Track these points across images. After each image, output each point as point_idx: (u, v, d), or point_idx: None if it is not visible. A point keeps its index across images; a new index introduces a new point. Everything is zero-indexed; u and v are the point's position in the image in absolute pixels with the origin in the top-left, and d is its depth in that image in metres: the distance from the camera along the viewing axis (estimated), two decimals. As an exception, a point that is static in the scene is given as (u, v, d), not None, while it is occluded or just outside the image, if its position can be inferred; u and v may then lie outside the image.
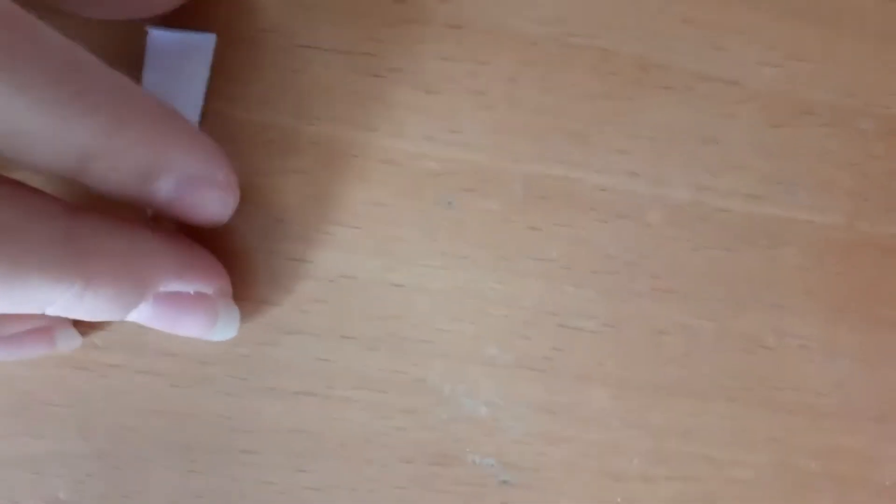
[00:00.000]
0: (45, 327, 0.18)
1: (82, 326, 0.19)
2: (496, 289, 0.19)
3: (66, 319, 0.18)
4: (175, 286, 0.16)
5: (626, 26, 0.19)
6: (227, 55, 0.19)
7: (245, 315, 0.19)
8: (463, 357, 0.19)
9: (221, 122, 0.19)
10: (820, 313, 0.20)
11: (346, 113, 0.19)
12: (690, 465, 0.20)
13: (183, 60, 0.18)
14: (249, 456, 0.19)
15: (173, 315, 0.17)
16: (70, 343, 0.19)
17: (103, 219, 0.15)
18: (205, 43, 0.18)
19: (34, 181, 0.15)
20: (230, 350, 0.19)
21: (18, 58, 0.12)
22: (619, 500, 0.20)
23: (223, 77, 0.19)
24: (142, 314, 0.16)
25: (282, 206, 0.19)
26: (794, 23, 0.19)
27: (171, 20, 0.18)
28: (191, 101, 0.18)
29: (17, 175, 0.15)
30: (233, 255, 0.19)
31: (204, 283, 0.17)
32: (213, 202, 0.16)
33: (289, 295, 0.19)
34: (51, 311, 0.14)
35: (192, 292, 0.17)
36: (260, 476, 0.19)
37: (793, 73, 0.19)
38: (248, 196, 0.19)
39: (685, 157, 0.19)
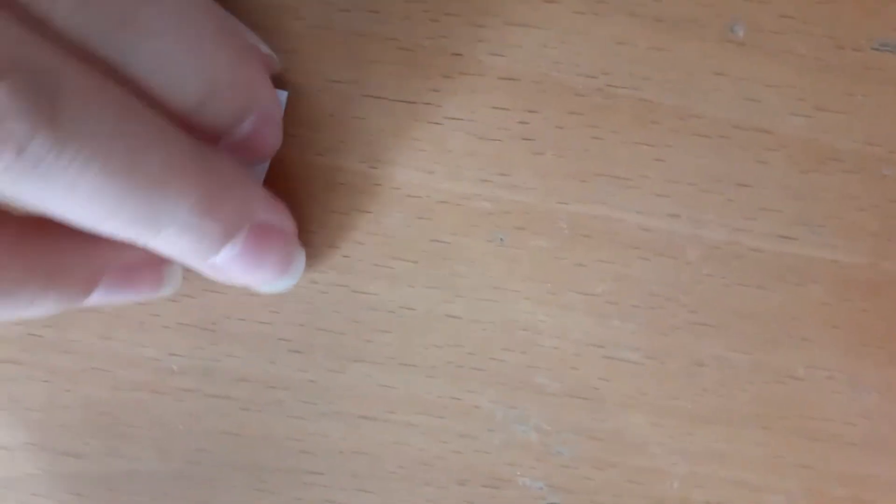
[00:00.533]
0: (156, 262, 0.18)
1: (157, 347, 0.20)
2: (545, 321, 0.21)
3: (168, 259, 0.17)
4: (265, 216, 0.17)
5: (666, 79, 0.20)
6: (301, 104, 0.20)
7: (314, 344, 0.20)
8: (514, 385, 0.21)
9: (294, 165, 0.20)
10: (846, 347, 0.21)
11: (407, 157, 0.20)
12: (726, 490, 0.21)
13: None
14: (314, 476, 0.21)
15: (260, 251, 0.17)
16: (174, 282, 0.19)
17: (211, 145, 0.16)
18: (279, 97, 0.20)
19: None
20: (299, 376, 0.20)
21: None
22: (659, 522, 0.21)
23: (296, 123, 0.20)
24: (232, 250, 0.16)
25: (349, 243, 0.20)
26: (821, 76, 0.20)
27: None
28: None
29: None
30: (304, 289, 0.20)
31: (288, 217, 0.18)
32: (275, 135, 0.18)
33: (354, 325, 0.20)
34: (159, 240, 0.15)
35: (278, 225, 0.17)
36: (324, 496, 0.21)
37: (820, 122, 0.20)
38: (319, 234, 0.20)
39: (721, 200, 0.20)
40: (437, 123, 0.20)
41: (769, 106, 0.20)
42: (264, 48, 0.19)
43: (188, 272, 0.19)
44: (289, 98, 0.20)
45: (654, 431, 0.21)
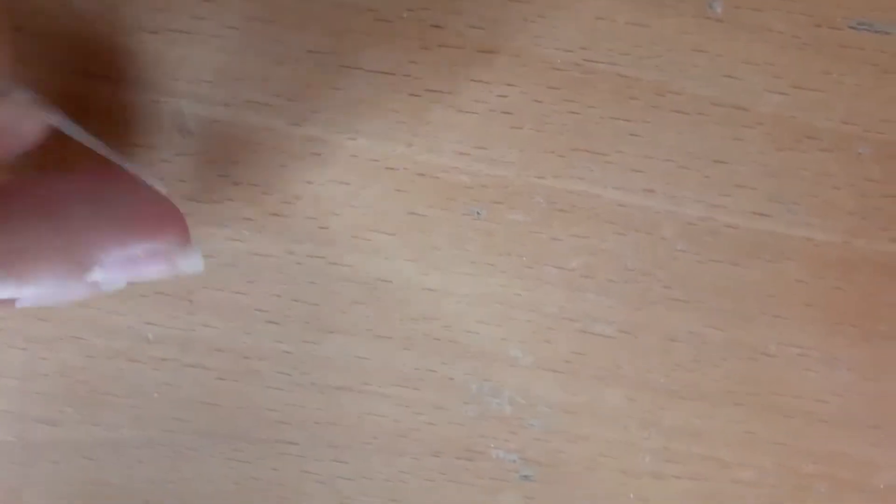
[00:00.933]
0: (164, 250, 0.17)
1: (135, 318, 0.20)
2: (521, 295, 0.21)
3: (189, 239, 0.17)
4: (118, 255, 0.16)
5: (644, 55, 0.20)
6: (279, 74, 0.20)
7: (291, 315, 0.20)
8: (489, 358, 0.21)
9: (270, 135, 0.20)
10: (819, 325, 0.21)
11: (385, 129, 0.20)
12: (698, 465, 0.21)
13: None
14: (290, 447, 0.21)
15: (124, 277, 0.16)
16: (193, 264, 0.17)
17: (33, 201, 0.15)
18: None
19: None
20: (275, 347, 0.21)
21: None
22: (631, 495, 0.21)
23: (269, 92, 0.20)
24: (97, 281, 0.16)
25: (326, 214, 0.20)
26: (799, 54, 0.20)
27: (228, 42, 0.20)
28: None
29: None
30: (281, 260, 0.20)
31: (150, 241, 0.16)
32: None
33: (330, 297, 0.21)
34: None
35: (139, 253, 0.16)
36: (299, 466, 0.21)
37: (797, 100, 0.20)
38: (295, 204, 0.20)
39: (697, 177, 0.20)
40: (416, 95, 0.20)
41: (747, 83, 0.20)
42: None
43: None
44: (267, 66, 0.20)
45: (627, 405, 0.21)
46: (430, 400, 0.21)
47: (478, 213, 0.21)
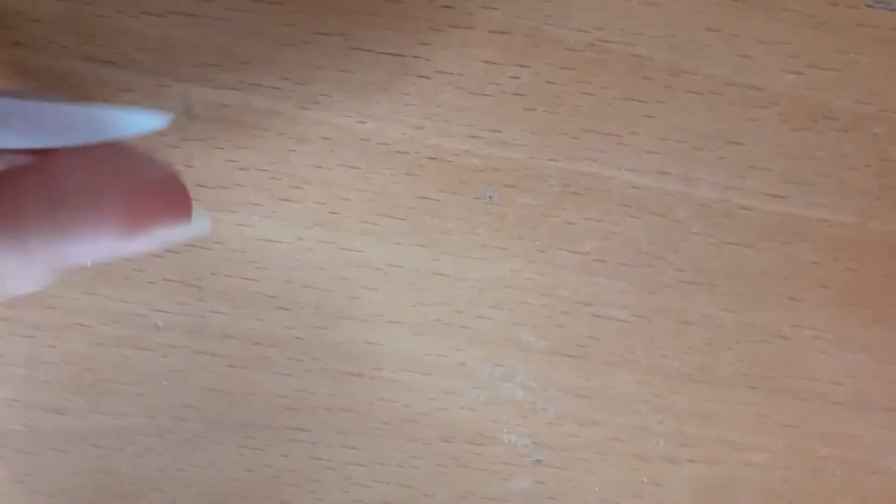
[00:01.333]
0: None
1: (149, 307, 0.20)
2: (533, 279, 0.21)
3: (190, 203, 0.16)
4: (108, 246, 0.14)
5: (658, 34, 0.20)
6: (287, 56, 0.20)
7: (301, 301, 0.20)
8: (501, 342, 0.21)
9: (278, 118, 0.20)
10: (833, 307, 0.21)
11: (396, 112, 0.20)
12: (711, 449, 0.21)
13: None
14: (301, 433, 0.21)
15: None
16: (203, 224, 0.16)
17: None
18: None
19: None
20: (286, 333, 0.20)
21: None
22: (644, 479, 0.21)
23: (276, 75, 0.20)
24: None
25: (335, 199, 0.20)
26: (814, 33, 0.20)
27: (234, 23, 0.19)
28: None
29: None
30: (290, 246, 0.20)
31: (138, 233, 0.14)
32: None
33: (341, 282, 0.20)
34: None
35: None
36: (310, 452, 0.21)
37: (812, 79, 0.20)
38: (305, 189, 0.20)
39: (712, 158, 0.20)
40: (427, 77, 0.20)
41: (761, 63, 0.20)
42: None
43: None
44: (275, 49, 0.20)
45: (640, 389, 0.21)
46: (442, 385, 0.21)
47: (490, 196, 0.20)
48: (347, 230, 0.20)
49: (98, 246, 0.14)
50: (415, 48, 0.20)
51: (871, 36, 0.20)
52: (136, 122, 0.15)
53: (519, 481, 0.21)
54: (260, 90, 0.20)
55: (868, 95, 0.20)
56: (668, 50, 0.20)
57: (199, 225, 0.16)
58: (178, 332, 0.20)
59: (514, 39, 0.20)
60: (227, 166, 0.20)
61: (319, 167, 0.20)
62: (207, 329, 0.20)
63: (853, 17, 0.20)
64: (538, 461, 0.21)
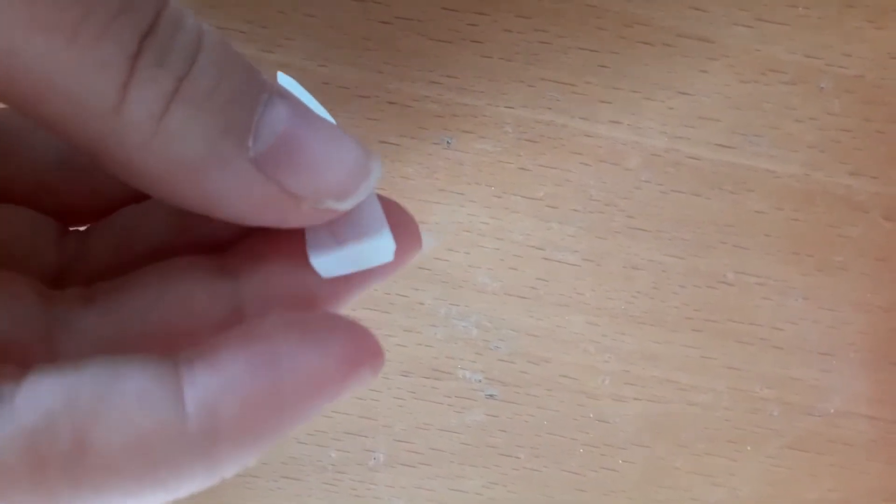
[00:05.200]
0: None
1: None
2: (489, 223, 0.21)
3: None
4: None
5: (615, -14, 0.20)
6: (251, 0, 0.20)
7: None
8: (457, 283, 0.22)
9: (242, 62, 0.20)
10: (777, 255, 0.22)
11: (357, 56, 0.21)
12: (655, 387, 0.22)
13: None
14: (264, 365, 0.22)
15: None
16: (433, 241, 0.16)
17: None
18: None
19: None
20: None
21: None
22: (591, 415, 0.22)
23: (241, 19, 0.20)
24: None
25: (297, 141, 0.21)
26: (767, -12, 0.20)
27: None
28: None
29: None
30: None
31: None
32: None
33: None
34: None
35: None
36: (273, 383, 0.22)
37: (762, 33, 0.20)
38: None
39: (662, 108, 0.21)
40: (387, 23, 0.20)
41: (713, 15, 0.20)
42: None
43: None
44: (238, -6, 0.20)
45: (588, 330, 0.22)
46: (401, 323, 0.22)
47: (448, 141, 0.21)
48: (310, 172, 0.21)
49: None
50: (376, -6, 0.20)
51: (822, -9, 0.20)
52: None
53: (473, 414, 0.22)
54: (225, 33, 0.20)
55: (815, 50, 0.20)
56: (622, 1, 0.20)
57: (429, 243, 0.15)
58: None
59: (474, -13, 0.20)
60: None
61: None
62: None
63: (805, -28, 0.20)
64: (491, 395, 0.22)
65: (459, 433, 0.22)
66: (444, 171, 0.21)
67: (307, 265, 0.12)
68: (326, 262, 0.12)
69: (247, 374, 0.10)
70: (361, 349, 0.11)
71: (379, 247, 0.13)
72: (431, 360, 0.22)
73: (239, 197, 0.11)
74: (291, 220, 0.12)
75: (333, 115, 0.21)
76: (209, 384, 0.10)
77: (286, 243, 0.13)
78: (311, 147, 0.12)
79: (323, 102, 0.21)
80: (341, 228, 0.13)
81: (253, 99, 0.11)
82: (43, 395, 0.10)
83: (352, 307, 0.21)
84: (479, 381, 0.22)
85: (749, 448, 0.22)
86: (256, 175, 0.11)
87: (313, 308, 0.13)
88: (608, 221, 0.21)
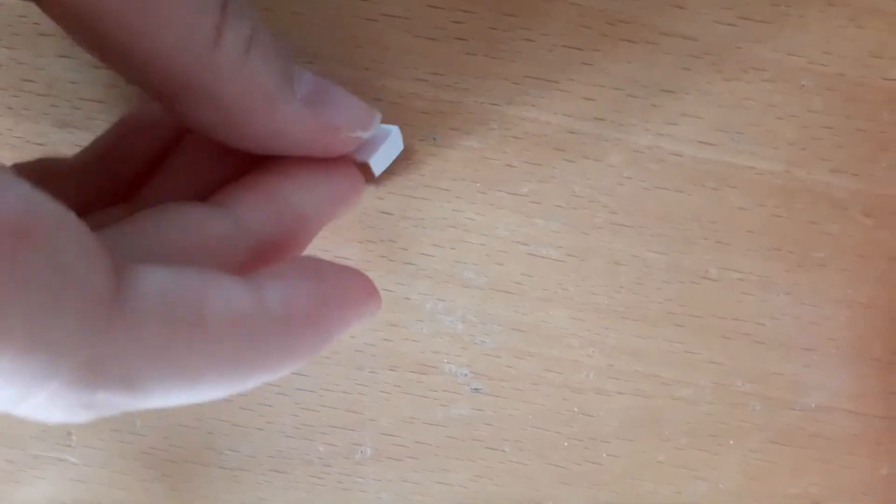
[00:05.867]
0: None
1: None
2: (474, 219, 0.22)
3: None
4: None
5: (599, -16, 0.20)
6: (236, -3, 0.20)
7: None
8: (443, 278, 0.22)
9: (229, 58, 0.21)
10: (758, 251, 0.22)
11: (343, 53, 0.21)
12: (639, 382, 0.22)
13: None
14: (250, 359, 0.22)
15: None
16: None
17: None
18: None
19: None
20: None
21: None
22: (575, 409, 0.23)
23: (232, 17, 0.20)
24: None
25: (283, 137, 0.21)
26: (749, -13, 0.21)
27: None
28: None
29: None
30: (237, 181, 0.21)
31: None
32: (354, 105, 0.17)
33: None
34: None
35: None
36: (259, 377, 0.22)
37: (744, 31, 0.21)
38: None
39: (645, 105, 0.21)
40: (373, 20, 0.21)
41: (695, 13, 0.21)
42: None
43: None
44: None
45: (572, 325, 0.22)
46: (387, 318, 0.22)
47: (434, 138, 0.21)
48: (297, 168, 0.21)
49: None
50: (362, -9, 0.20)
51: (803, -10, 0.20)
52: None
53: (458, 408, 0.22)
54: (211, 30, 0.20)
55: (797, 48, 0.21)
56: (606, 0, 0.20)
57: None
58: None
59: (459, -15, 0.20)
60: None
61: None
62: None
63: (786, -29, 0.20)
64: (476, 389, 0.22)
65: (445, 427, 0.22)
66: (430, 168, 0.21)
67: (278, 197, 0.16)
68: (376, 160, 0.19)
69: (307, 281, 0.14)
70: (371, 284, 0.16)
71: (395, 139, 0.19)
72: (417, 355, 0.22)
73: (296, 126, 0.15)
74: (334, 147, 0.16)
75: (320, 112, 0.21)
76: (282, 287, 0.13)
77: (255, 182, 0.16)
78: (337, 93, 0.16)
79: (309, 99, 0.21)
80: (370, 147, 0.18)
81: (290, 56, 0.15)
82: (161, 274, 0.12)
83: (338, 302, 0.22)
84: (465, 375, 0.22)
85: (731, 442, 0.23)
86: (306, 111, 0.15)
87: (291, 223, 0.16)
88: (591, 217, 0.22)
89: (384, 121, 0.19)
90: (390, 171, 0.21)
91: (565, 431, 0.22)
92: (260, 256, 0.15)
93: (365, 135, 0.17)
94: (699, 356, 0.22)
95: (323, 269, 0.15)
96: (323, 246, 0.21)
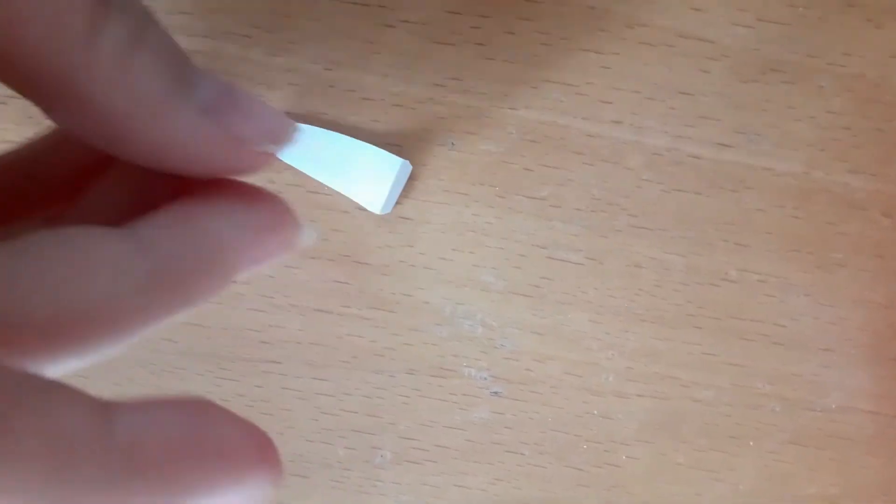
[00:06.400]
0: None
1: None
2: (493, 223, 0.22)
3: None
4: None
5: (616, -12, 0.21)
6: (257, 5, 0.20)
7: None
8: (462, 283, 0.22)
9: (248, 66, 0.21)
10: (777, 252, 0.22)
11: (362, 60, 0.21)
12: (658, 384, 0.22)
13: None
14: (272, 365, 0.22)
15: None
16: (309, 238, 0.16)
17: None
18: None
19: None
20: (257, 271, 0.21)
21: None
22: (595, 412, 0.23)
23: (247, 23, 0.20)
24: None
25: (303, 144, 0.21)
26: (766, -11, 0.21)
27: None
28: None
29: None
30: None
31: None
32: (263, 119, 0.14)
33: (310, 224, 0.21)
34: None
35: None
36: (281, 383, 0.22)
37: (762, 33, 0.21)
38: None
39: (663, 108, 0.21)
40: (391, 26, 0.21)
41: (713, 16, 0.21)
42: None
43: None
44: (244, -2, 0.20)
45: (591, 328, 0.22)
46: (406, 322, 0.22)
47: (452, 143, 0.21)
48: (316, 174, 0.21)
49: None
50: (380, -2, 0.21)
51: (821, -9, 0.20)
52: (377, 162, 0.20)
53: (477, 411, 0.22)
54: (231, 38, 0.20)
55: (815, 49, 0.21)
56: (623, 2, 0.20)
57: (309, 238, 0.16)
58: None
59: (476, -10, 0.21)
60: (200, 111, 0.21)
61: (289, 113, 0.21)
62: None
63: (804, -27, 0.20)
64: (496, 393, 0.22)
65: (464, 430, 0.22)
66: (449, 172, 0.21)
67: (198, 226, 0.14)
68: (385, 203, 0.20)
69: (177, 414, 0.11)
70: (268, 441, 0.12)
71: (404, 170, 0.20)
72: (437, 359, 0.22)
73: (191, 137, 0.13)
74: (237, 165, 0.14)
75: (339, 119, 0.21)
76: (139, 416, 0.10)
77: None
78: (245, 100, 0.14)
79: (328, 106, 0.21)
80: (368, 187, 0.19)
81: (186, 57, 0.13)
82: None
83: (357, 307, 0.22)
84: (485, 378, 0.22)
85: (750, 443, 0.23)
86: (203, 119, 0.13)
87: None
88: (610, 220, 0.22)
89: (405, 128, 0.19)
90: (411, 177, 0.21)
91: (584, 434, 0.23)
92: (165, 281, 0.13)
93: (276, 150, 0.14)
94: (718, 358, 0.22)
95: (206, 406, 0.11)
96: (343, 251, 0.22)
